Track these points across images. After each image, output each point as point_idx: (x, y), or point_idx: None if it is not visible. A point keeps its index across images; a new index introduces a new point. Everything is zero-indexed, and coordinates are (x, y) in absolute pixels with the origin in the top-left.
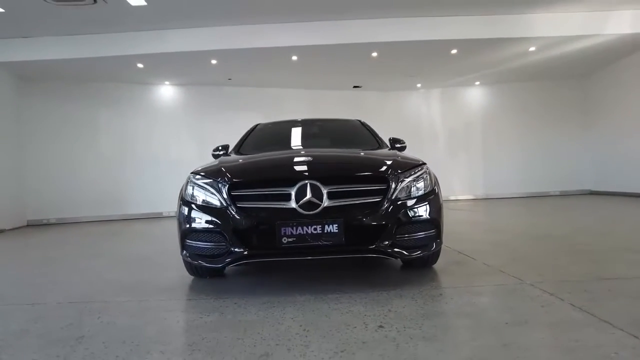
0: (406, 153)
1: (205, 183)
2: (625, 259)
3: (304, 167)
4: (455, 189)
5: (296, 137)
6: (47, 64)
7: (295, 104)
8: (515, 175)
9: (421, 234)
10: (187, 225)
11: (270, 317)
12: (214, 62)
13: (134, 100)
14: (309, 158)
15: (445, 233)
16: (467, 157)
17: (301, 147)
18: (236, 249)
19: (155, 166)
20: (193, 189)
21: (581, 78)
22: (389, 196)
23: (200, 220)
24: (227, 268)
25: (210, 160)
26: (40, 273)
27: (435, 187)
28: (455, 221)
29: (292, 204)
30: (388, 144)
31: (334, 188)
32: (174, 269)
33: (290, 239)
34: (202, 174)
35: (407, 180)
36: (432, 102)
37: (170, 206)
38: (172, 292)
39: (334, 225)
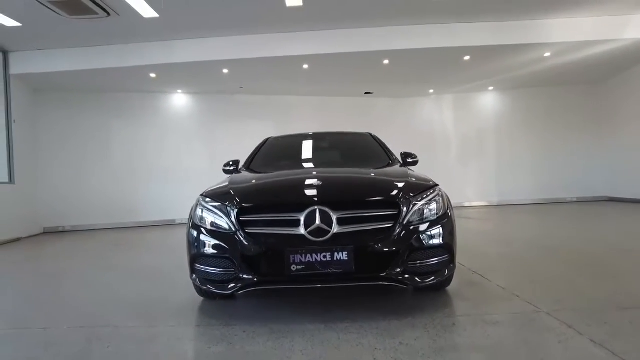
0: (417, 172)
1: (214, 207)
2: None
3: (313, 192)
4: (469, 196)
5: (307, 152)
6: (61, 75)
7: (306, 111)
8: (530, 182)
9: (434, 260)
10: (196, 250)
11: (279, 349)
12: (225, 71)
13: (146, 109)
14: (319, 182)
15: (458, 246)
16: (480, 163)
17: (311, 165)
18: (245, 276)
19: (167, 174)
20: (202, 212)
21: (598, 83)
22: (401, 221)
23: (209, 245)
24: None
25: (220, 175)
26: (53, 291)
27: (449, 209)
28: (468, 231)
29: (301, 230)
30: (400, 158)
31: (344, 214)
32: (183, 286)
33: (299, 267)
34: (211, 196)
35: (420, 204)
36: (444, 108)
37: (183, 214)
38: (182, 316)
39: (344, 253)
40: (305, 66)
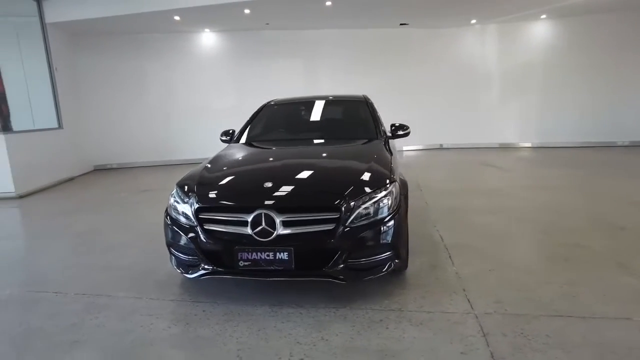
0: (384, 155)
1: (182, 200)
2: (613, 283)
3: (262, 195)
4: (508, 136)
5: (296, 125)
6: (93, 21)
7: (336, 45)
8: (579, 122)
9: (376, 258)
10: (169, 238)
11: (221, 335)
12: (247, 11)
13: (178, 49)
14: (269, 184)
15: (460, 210)
16: (524, 101)
17: (297, 137)
18: (205, 265)
19: (200, 114)
20: (173, 201)
21: None
22: (342, 223)
23: (178, 235)
24: None
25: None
26: (79, 251)
27: (398, 208)
28: (484, 188)
29: (249, 230)
30: (389, 130)
31: (288, 217)
32: None
33: (246, 263)
34: (181, 188)
35: (364, 206)
36: (487, 39)
37: (213, 153)
38: (165, 288)
39: (285, 254)
40: (328, 3)
